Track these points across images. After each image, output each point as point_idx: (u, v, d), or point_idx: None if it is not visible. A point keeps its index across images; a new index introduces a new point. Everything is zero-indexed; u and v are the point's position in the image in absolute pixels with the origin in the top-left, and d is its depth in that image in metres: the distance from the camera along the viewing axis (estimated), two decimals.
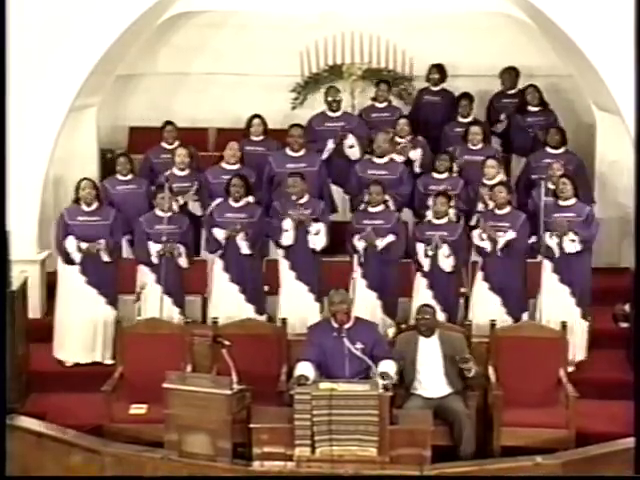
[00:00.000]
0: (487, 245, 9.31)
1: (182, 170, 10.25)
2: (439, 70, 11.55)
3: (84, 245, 9.36)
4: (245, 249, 9.44)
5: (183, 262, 9.48)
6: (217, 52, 12.06)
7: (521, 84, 11.51)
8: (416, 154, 10.56)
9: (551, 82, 11.67)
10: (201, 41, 12.04)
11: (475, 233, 9.40)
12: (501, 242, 9.23)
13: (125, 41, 10.33)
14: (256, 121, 10.68)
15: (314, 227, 9.43)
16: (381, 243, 9.37)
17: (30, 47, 9.89)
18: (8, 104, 9.06)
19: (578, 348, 9.31)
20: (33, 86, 9.97)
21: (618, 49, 9.59)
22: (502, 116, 11.32)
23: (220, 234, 9.44)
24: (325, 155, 10.64)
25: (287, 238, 9.45)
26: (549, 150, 10.50)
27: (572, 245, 9.21)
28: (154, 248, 9.38)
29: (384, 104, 11.39)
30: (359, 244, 9.38)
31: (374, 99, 11.47)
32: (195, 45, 12.05)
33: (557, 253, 9.26)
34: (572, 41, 9.86)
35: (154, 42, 11.58)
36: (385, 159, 10.26)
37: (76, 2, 9.98)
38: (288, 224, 9.42)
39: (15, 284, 9.02)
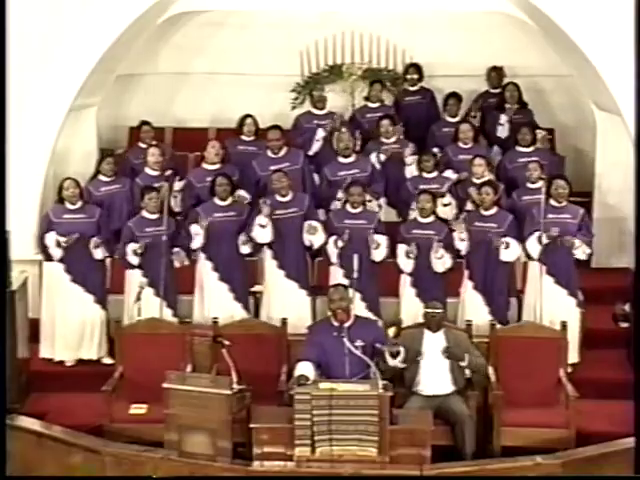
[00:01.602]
0: (463, 247, 9.30)
1: (155, 170, 10.22)
2: (417, 70, 11.55)
3: (63, 239, 9.31)
4: (246, 249, 9.45)
5: (177, 262, 9.45)
6: (217, 52, 12.06)
7: (522, 84, 11.50)
8: (412, 158, 10.51)
9: (551, 82, 11.67)
10: (201, 41, 12.05)
11: (455, 234, 9.35)
12: (506, 256, 9.24)
13: (125, 41, 10.33)
14: (249, 121, 10.69)
15: (306, 224, 9.40)
16: (379, 254, 9.31)
17: (30, 47, 9.89)
18: (8, 103, 9.08)
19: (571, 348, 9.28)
20: (33, 86, 9.97)
21: (618, 49, 9.59)
22: (472, 112, 11.26)
23: (196, 229, 9.41)
24: (316, 146, 10.66)
25: (264, 235, 9.39)
26: (520, 149, 10.44)
27: (580, 252, 9.22)
28: (130, 247, 9.32)
29: (377, 104, 11.38)
30: (333, 251, 9.33)
31: (367, 99, 11.48)
32: (195, 45, 12.05)
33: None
34: (572, 41, 9.86)
35: (154, 42, 11.58)
36: (352, 158, 10.20)
37: (76, 2, 9.99)
38: (263, 220, 9.35)
39: (15, 284, 9.02)
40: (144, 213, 9.50)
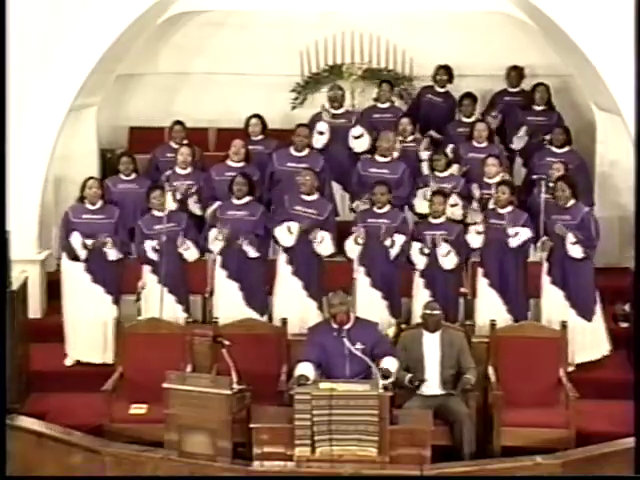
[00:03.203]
0: (478, 241, 9.31)
1: (184, 169, 10.25)
2: (447, 71, 11.52)
3: (89, 241, 9.33)
4: (252, 253, 9.42)
5: (190, 255, 9.47)
6: (217, 52, 12.06)
7: (523, 84, 11.50)
8: (427, 154, 10.51)
9: (551, 82, 11.64)
10: (201, 41, 12.05)
11: (471, 228, 9.38)
12: (514, 242, 9.24)
13: (125, 41, 10.33)
14: (253, 121, 10.67)
15: (319, 235, 9.39)
16: (394, 250, 9.31)
17: (30, 47, 9.89)
18: (8, 104, 9.08)
19: (601, 342, 9.31)
20: (33, 86, 9.98)
21: (618, 49, 9.60)
22: (494, 112, 11.27)
23: (213, 234, 9.45)
24: (321, 141, 10.59)
25: (289, 240, 9.43)
26: (552, 149, 10.48)
27: (575, 249, 9.19)
28: (149, 244, 9.37)
29: (386, 104, 11.37)
30: (352, 249, 9.33)
31: (376, 99, 11.47)
32: (195, 45, 12.06)
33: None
34: (572, 41, 9.86)
35: (154, 42, 11.59)
36: (387, 158, 10.23)
37: (76, 2, 9.99)
38: (294, 227, 9.39)
39: (15, 284, 9.01)
40: (154, 211, 9.55)
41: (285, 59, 12.01)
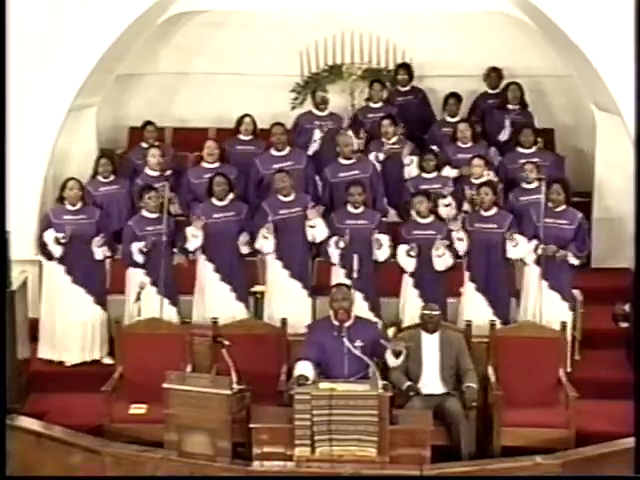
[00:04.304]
0: (461, 247, 9.30)
1: (155, 170, 10.25)
2: (406, 70, 11.55)
3: (61, 235, 9.28)
4: (246, 249, 9.44)
5: (178, 258, 9.46)
6: (217, 52, 12.07)
7: (522, 84, 11.49)
8: (410, 158, 10.48)
9: (551, 82, 11.68)
10: (201, 41, 12.06)
11: (453, 234, 9.33)
12: (514, 253, 9.23)
13: (125, 41, 10.34)
14: (246, 120, 10.71)
15: (312, 221, 9.38)
16: (383, 251, 9.29)
17: (30, 47, 9.90)
18: (8, 103, 9.09)
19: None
20: (33, 86, 9.98)
21: (618, 49, 9.59)
22: (474, 117, 11.24)
23: (192, 230, 9.38)
24: (313, 148, 10.66)
25: (267, 245, 9.42)
26: (521, 150, 10.44)
27: (573, 259, 9.19)
28: (136, 246, 9.31)
29: (379, 104, 11.36)
30: (334, 252, 9.32)
31: (368, 99, 11.47)
32: (195, 45, 12.07)
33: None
34: (572, 41, 9.86)
35: (154, 42, 11.59)
36: (353, 159, 10.17)
37: (76, 2, 9.99)
38: (270, 229, 9.37)
39: (15, 284, 9.02)
40: (144, 212, 9.50)
41: (285, 59, 12.02)
